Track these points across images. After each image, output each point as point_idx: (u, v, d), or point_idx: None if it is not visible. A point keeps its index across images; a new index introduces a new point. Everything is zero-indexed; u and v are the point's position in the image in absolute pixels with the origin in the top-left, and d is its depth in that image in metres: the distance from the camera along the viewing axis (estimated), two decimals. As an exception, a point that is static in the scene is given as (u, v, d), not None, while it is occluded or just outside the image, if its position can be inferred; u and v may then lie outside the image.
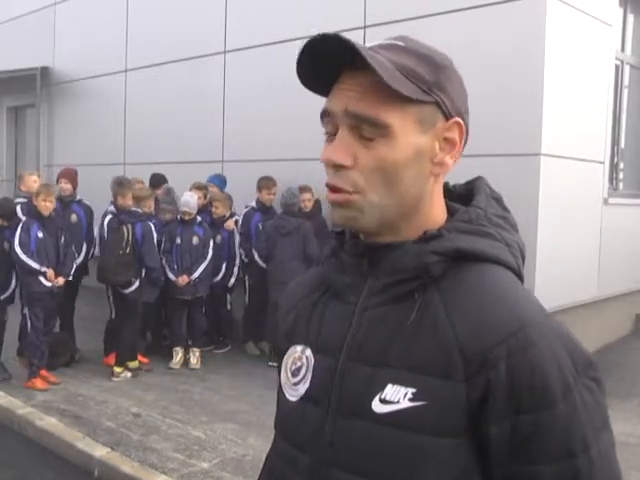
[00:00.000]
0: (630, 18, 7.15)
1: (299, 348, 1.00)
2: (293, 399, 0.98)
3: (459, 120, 0.92)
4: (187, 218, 6.23)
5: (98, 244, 6.27)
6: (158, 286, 6.06)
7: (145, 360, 6.24)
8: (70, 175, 6.54)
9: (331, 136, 0.92)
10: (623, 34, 7.05)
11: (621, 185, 7.19)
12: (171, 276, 6.17)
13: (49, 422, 4.76)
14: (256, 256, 6.43)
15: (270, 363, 6.21)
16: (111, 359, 6.21)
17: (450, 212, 0.97)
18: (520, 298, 0.88)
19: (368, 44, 0.91)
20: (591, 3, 5.91)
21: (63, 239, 5.77)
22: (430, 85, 0.89)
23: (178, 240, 6.21)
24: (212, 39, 7.84)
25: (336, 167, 0.89)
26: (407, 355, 0.87)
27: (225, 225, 6.60)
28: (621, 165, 7.16)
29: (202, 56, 7.98)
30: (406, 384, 0.86)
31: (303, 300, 1.05)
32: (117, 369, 5.84)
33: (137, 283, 5.89)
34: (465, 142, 0.94)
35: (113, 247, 5.80)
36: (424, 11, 5.88)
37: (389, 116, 0.87)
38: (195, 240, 6.24)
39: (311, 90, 0.94)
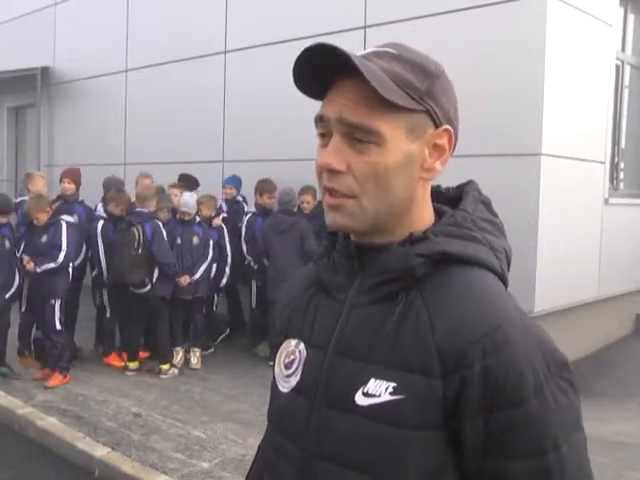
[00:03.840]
0: (630, 18, 7.15)
1: (293, 342, 1.05)
2: (285, 390, 1.02)
3: (449, 128, 0.95)
4: (187, 218, 6.22)
5: (100, 247, 6.25)
6: (173, 281, 6.08)
7: (146, 354, 6.27)
8: (73, 175, 6.55)
9: (324, 139, 0.95)
10: (623, 34, 7.05)
11: (621, 185, 7.19)
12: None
13: (49, 422, 4.76)
14: (265, 261, 6.41)
15: (270, 363, 6.17)
16: (111, 359, 6.23)
17: (439, 214, 1.01)
18: (498, 299, 0.90)
19: (362, 51, 0.94)
20: (591, 3, 5.91)
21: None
22: (421, 94, 0.92)
23: (178, 240, 6.19)
24: (212, 39, 7.84)
25: (331, 172, 0.93)
26: (390, 352, 0.91)
27: (213, 223, 6.57)
28: (621, 165, 7.16)
29: (202, 56, 7.98)
30: (388, 379, 0.89)
31: (298, 296, 1.09)
32: (131, 364, 6.04)
33: (150, 283, 5.96)
34: (454, 148, 0.97)
35: (125, 248, 5.84)
36: (424, 11, 5.88)
37: (381, 124, 0.90)
38: (195, 240, 6.23)
39: (306, 94, 0.97)
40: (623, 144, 7.14)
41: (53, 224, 5.62)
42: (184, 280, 6.08)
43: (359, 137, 0.90)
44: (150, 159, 8.26)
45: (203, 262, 6.22)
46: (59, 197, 6.43)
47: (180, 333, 6.30)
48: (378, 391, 0.90)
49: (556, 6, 5.40)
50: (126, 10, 9.06)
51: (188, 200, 6.22)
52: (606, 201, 6.45)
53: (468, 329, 0.86)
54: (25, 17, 10.91)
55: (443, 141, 0.95)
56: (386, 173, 0.91)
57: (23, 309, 6.04)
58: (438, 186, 1.05)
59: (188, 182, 6.98)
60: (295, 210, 6.34)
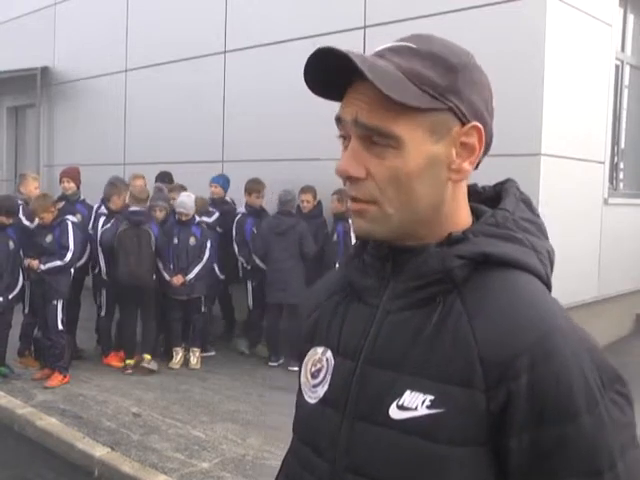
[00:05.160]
0: (630, 18, 7.16)
1: (320, 350, 0.99)
2: (312, 401, 0.97)
3: (477, 124, 0.88)
4: (184, 219, 6.20)
5: (100, 245, 6.25)
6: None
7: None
8: (72, 174, 6.54)
9: (345, 142, 0.90)
10: (623, 34, 7.05)
11: (621, 185, 7.20)
12: (166, 276, 6.15)
13: (49, 422, 4.76)
14: (257, 260, 6.38)
15: (270, 363, 6.21)
16: (111, 359, 6.22)
17: (476, 215, 0.94)
18: (545, 306, 0.84)
19: (377, 48, 0.89)
20: (591, 3, 5.91)
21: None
22: (442, 90, 0.85)
23: (175, 240, 6.18)
24: (212, 39, 7.84)
25: (350, 179, 0.88)
26: (427, 361, 0.85)
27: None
28: (621, 165, 7.17)
29: (202, 56, 7.98)
30: (425, 391, 0.84)
31: (325, 302, 1.04)
32: (130, 361, 6.03)
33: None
34: (489, 145, 0.91)
35: (143, 248, 5.88)
36: (424, 11, 5.88)
37: (397, 127, 0.84)
38: (192, 241, 6.21)
39: (322, 97, 0.91)
40: (623, 144, 7.14)
41: (59, 224, 5.63)
42: (177, 280, 6.08)
43: (376, 140, 0.85)
44: (150, 159, 8.26)
45: (198, 263, 6.20)
46: (61, 197, 6.43)
47: (179, 334, 6.29)
48: (414, 404, 0.84)
49: (556, 6, 5.41)
50: (126, 10, 9.07)
51: (185, 200, 6.19)
52: (606, 201, 6.45)
53: (514, 338, 0.80)
54: (25, 17, 10.92)
55: (472, 139, 0.88)
56: (407, 178, 0.86)
57: (26, 311, 6.04)
58: (474, 185, 0.99)
59: (162, 178, 6.98)
60: (294, 211, 6.32)
